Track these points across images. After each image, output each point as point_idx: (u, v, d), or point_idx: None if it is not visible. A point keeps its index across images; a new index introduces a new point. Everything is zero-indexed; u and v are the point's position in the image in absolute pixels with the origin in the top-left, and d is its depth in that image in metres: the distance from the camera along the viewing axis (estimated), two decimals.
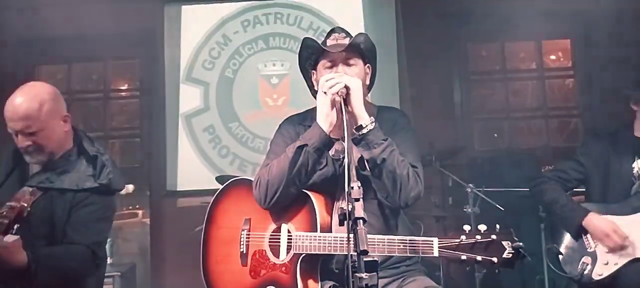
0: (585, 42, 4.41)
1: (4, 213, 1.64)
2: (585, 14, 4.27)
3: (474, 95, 4.54)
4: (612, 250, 2.18)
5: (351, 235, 1.32)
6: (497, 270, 1.47)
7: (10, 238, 1.62)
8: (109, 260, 3.63)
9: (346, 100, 1.67)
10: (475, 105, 4.50)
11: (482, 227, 1.47)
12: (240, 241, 1.90)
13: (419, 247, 1.54)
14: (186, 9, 4.52)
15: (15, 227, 1.67)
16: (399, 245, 1.57)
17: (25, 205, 1.68)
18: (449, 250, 1.47)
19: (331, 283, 1.78)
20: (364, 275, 1.31)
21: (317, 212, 1.74)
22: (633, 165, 2.25)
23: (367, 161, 1.69)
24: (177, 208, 4.30)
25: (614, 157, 2.29)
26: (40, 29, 4.31)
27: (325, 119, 1.71)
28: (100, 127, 4.75)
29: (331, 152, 1.87)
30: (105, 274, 3.39)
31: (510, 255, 1.42)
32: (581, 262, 2.24)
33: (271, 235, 1.86)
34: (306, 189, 1.82)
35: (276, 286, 1.77)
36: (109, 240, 3.57)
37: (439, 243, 1.50)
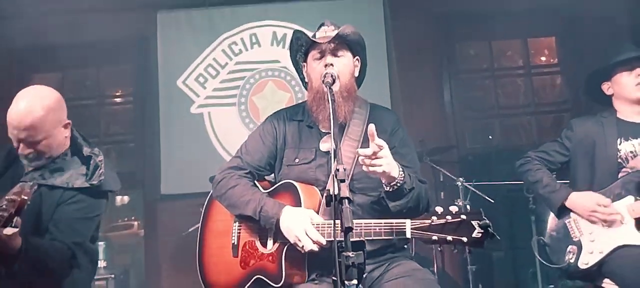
0: (569, 39, 4.48)
1: (4, 206, 1.65)
2: (568, 11, 4.35)
3: (464, 93, 4.60)
4: (604, 224, 2.19)
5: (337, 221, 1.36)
6: (467, 250, 1.50)
7: (9, 230, 1.63)
8: (103, 264, 3.66)
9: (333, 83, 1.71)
10: (465, 103, 4.56)
11: (453, 208, 1.49)
12: (232, 233, 1.94)
13: (393, 228, 1.57)
14: (179, 16, 4.57)
15: (15, 219, 1.67)
16: (375, 228, 1.61)
17: (26, 198, 1.68)
18: (421, 231, 1.50)
19: (318, 271, 1.80)
20: (350, 253, 1.35)
21: (303, 202, 1.78)
22: (619, 147, 2.28)
23: (392, 207, 1.73)
24: (172, 212, 4.32)
25: (599, 139, 2.32)
26: (34, 37, 4.36)
27: (288, 232, 1.71)
28: (95, 133, 4.78)
29: (323, 148, 1.91)
30: (99, 277, 3.45)
31: (480, 234, 1.43)
32: (567, 251, 2.26)
33: (260, 225, 1.90)
34: (294, 180, 1.86)
35: (263, 275, 1.81)
36: (102, 243, 3.59)
37: (411, 225, 1.53)
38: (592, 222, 2.23)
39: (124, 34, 4.55)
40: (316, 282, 1.79)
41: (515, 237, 3.41)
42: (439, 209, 1.50)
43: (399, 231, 1.56)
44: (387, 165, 1.62)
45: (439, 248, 1.51)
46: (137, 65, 4.72)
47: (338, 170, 1.40)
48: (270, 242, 1.84)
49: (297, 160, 1.93)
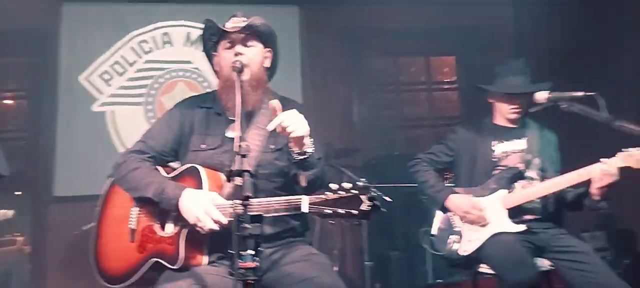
0: (467, 59, 4.93)
1: None
2: (467, 33, 4.81)
3: (371, 104, 4.86)
4: (472, 223, 2.45)
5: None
6: (357, 222, 1.59)
7: None
8: None
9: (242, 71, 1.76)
10: (371, 113, 4.82)
11: (346, 185, 1.57)
12: (131, 218, 1.90)
13: (290, 203, 1.64)
14: (87, 9, 4.37)
15: None
16: (274, 205, 1.66)
17: None
18: (317, 206, 1.58)
19: (218, 254, 1.82)
20: (247, 225, 1.41)
21: (206, 186, 1.79)
22: (493, 148, 2.58)
23: (305, 178, 1.80)
24: (64, 214, 4.03)
25: (478, 142, 2.62)
26: None
27: (188, 213, 1.70)
28: None
29: (230, 135, 1.93)
30: None
31: (368, 207, 1.54)
32: (449, 241, 2.50)
33: (160, 209, 1.88)
34: (198, 165, 1.87)
35: (161, 258, 1.79)
36: None
37: (308, 200, 1.60)
38: (465, 220, 2.49)
39: (21, 23, 4.24)
40: (215, 264, 1.81)
41: (411, 237, 3.62)
42: (334, 186, 1.58)
43: (296, 206, 1.62)
44: (302, 127, 1.71)
45: (332, 222, 1.59)
46: (34, 58, 4.43)
47: (240, 146, 1.46)
48: (170, 225, 1.83)
49: (203, 146, 1.95)
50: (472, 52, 4.83)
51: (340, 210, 1.54)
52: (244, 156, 1.45)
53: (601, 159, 2.24)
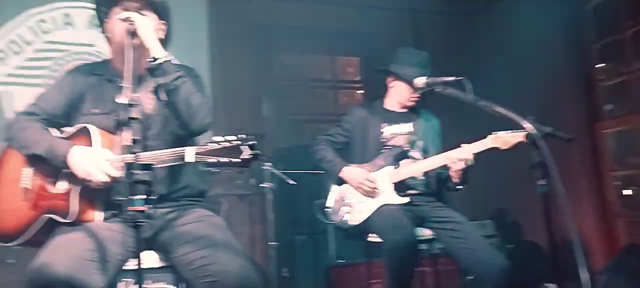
0: (371, 60, 5.25)
1: None
2: (371, 36, 5.14)
3: (280, 98, 5.00)
4: (366, 194, 2.69)
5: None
6: (239, 170, 1.72)
7: None
8: None
9: (135, 35, 1.81)
10: (280, 106, 4.96)
11: (230, 137, 1.67)
12: (23, 178, 1.89)
13: (177, 154, 1.72)
14: None
15: None
16: (161, 156, 1.74)
17: None
18: (202, 155, 1.67)
19: (113, 212, 1.86)
20: (138, 172, 1.48)
21: (96, 143, 1.83)
22: (382, 130, 2.84)
23: (161, 86, 1.85)
24: None
25: (369, 123, 2.87)
26: None
27: (78, 167, 1.75)
28: None
29: (119, 100, 1.96)
30: None
31: (249, 156, 1.65)
32: (342, 212, 2.73)
33: (53, 167, 1.87)
34: (90, 124, 1.89)
35: (53, 213, 1.81)
36: None
37: (195, 150, 1.69)
38: (359, 191, 2.73)
39: None
40: (109, 221, 1.84)
41: (316, 222, 3.81)
42: (219, 138, 1.69)
43: (181, 156, 1.70)
44: (146, 25, 1.83)
45: (216, 170, 1.69)
46: None
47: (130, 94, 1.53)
48: (62, 183, 1.84)
49: (95, 111, 1.97)
50: (375, 54, 5.16)
51: (224, 159, 1.65)
52: (132, 106, 1.52)
53: (462, 144, 2.54)
